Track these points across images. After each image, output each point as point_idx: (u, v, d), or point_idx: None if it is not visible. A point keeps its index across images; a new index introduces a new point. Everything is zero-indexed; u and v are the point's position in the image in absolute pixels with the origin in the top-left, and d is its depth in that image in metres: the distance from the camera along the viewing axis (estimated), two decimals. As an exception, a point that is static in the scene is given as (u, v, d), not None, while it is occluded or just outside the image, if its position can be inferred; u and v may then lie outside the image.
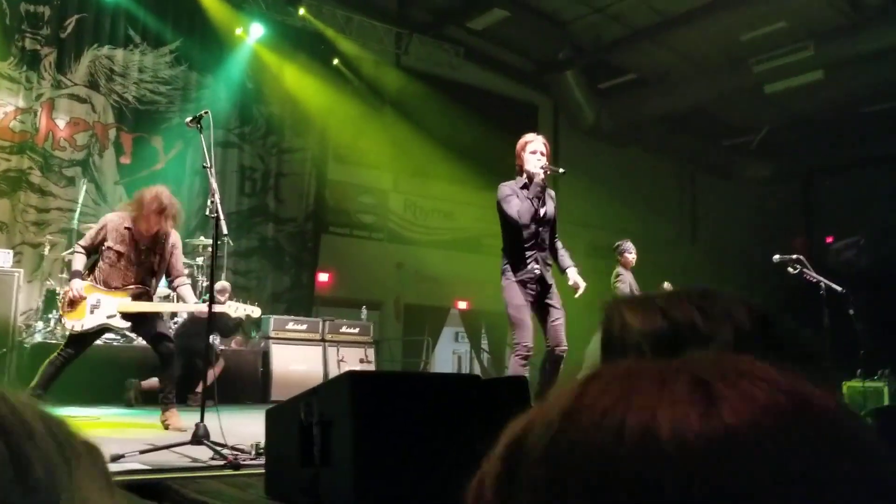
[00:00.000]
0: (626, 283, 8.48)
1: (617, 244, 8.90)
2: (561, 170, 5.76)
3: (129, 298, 5.81)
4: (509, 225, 5.60)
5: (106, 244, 5.84)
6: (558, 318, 5.62)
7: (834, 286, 7.36)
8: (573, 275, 5.70)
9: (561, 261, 5.80)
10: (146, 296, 5.92)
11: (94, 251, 5.95)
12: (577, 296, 5.64)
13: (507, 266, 5.61)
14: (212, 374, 8.81)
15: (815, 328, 7.13)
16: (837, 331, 7.32)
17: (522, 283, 5.52)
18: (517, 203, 5.54)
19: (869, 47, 12.06)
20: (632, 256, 8.67)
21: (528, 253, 5.56)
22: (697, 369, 0.45)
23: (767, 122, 16.50)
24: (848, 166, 16.26)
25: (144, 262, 5.89)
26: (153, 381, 8.24)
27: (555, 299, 5.65)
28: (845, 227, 15.22)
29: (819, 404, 0.43)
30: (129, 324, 5.92)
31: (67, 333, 5.96)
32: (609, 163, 15.69)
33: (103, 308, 5.77)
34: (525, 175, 5.65)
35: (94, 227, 6.03)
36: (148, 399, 7.55)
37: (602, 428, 0.43)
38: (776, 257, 7.71)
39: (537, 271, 5.54)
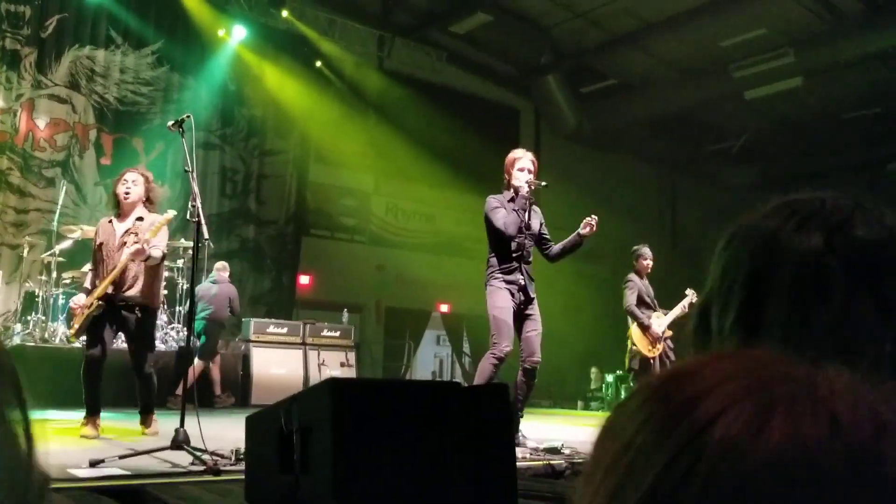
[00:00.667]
0: (634, 289, 8.13)
1: (633, 248, 8.53)
2: (543, 183, 5.87)
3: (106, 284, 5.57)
4: (496, 236, 5.71)
5: (97, 244, 5.74)
6: (535, 329, 5.72)
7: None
8: (583, 224, 5.74)
9: (567, 242, 5.87)
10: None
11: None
12: (594, 224, 5.71)
13: (494, 273, 5.71)
14: (195, 372, 8.87)
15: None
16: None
17: (508, 291, 5.63)
18: (504, 214, 5.65)
19: (847, 55, 12.17)
20: (647, 262, 8.27)
21: (514, 264, 5.68)
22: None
23: (748, 127, 16.61)
24: (828, 172, 16.39)
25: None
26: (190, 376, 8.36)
27: (534, 312, 5.76)
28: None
29: None
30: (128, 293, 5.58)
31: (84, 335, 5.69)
32: (590, 167, 15.75)
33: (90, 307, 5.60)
34: (512, 189, 5.78)
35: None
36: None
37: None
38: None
39: (521, 281, 5.66)
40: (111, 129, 11.28)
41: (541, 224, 5.90)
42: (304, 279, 13.17)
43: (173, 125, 4.96)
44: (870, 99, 14.34)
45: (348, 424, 2.59)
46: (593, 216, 5.73)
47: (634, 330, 8.09)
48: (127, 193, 5.65)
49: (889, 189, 14.74)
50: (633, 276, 8.24)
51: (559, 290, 11.04)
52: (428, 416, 2.80)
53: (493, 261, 5.75)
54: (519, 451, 4.80)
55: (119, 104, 11.32)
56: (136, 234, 5.45)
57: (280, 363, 9.81)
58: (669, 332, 8.12)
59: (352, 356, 10.42)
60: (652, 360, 7.91)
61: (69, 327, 5.86)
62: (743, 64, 13.09)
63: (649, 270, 8.28)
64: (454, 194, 14.44)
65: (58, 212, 9.57)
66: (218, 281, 9.45)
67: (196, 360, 8.77)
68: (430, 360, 16.94)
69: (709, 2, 12.21)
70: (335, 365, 10.10)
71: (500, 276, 5.66)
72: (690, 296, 8.12)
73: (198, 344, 9.18)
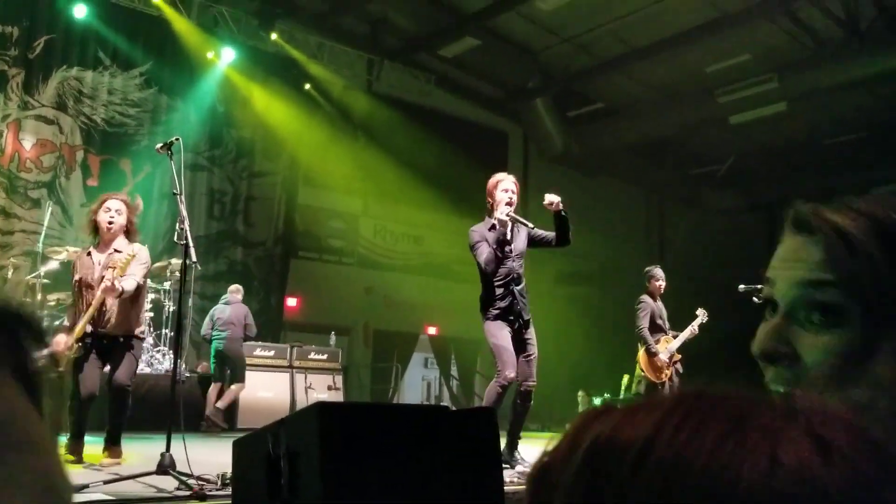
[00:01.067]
0: (647, 312, 7.99)
1: (646, 269, 8.41)
2: (530, 225, 5.85)
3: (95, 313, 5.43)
4: (481, 269, 5.76)
5: (75, 279, 5.60)
6: (532, 354, 5.75)
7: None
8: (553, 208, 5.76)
9: (555, 230, 5.88)
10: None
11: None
12: (550, 202, 5.70)
13: (487, 302, 5.75)
14: (232, 394, 8.94)
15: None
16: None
17: (503, 319, 5.67)
18: (484, 251, 5.68)
19: (831, 80, 12.28)
20: (660, 283, 8.15)
21: (503, 290, 5.70)
22: (811, 421, 0.45)
23: (734, 152, 16.73)
24: (813, 197, 16.44)
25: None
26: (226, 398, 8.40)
27: (531, 336, 5.78)
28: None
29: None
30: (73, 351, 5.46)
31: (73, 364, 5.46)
32: (578, 190, 15.77)
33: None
34: (494, 218, 5.78)
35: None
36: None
37: (715, 477, 0.42)
38: (741, 287, 7.78)
39: (516, 306, 5.69)
40: (98, 150, 11.25)
41: (530, 235, 5.88)
42: (291, 301, 13.13)
43: (162, 147, 4.94)
44: (853, 124, 14.47)
45: (336, 448, 2.57)
46: (549, 197, 5.70)
47: (642, 354, 8.02)
48: (111, 223, 5.48)
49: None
50: (645, 297, 8.14)
51: (547, 312, 11.03)
52: (416, 440, 2.79)
53: (485, 290, 5.78)
54: (508, 475, 4.79)
55: (107, 125, 11.30)
56: (113, 269, 5.32)
57: (267, 387, 9.76)
58: (679, 356, 8.04)
59: (339, 379, 10.38)
60: (660, 387, 7.82)
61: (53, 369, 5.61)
62: (728, 89, 13.19)
63: (662, 291, 8.18)
64: (442, 217, 14.45)
65: (43, 233, 9.51)
66: (230, 302, 9.51)
67: (233, 386, 9.04)
68: (417, 382, 16.88)
69: (694, 28, 12.34)
70: (322, 388, 10.06)
71: (494, 303, 5.70)
72: (701, 316, 8.07)
73: (209, 369, 9.27)
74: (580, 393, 14.22)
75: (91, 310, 5.29)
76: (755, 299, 7.71)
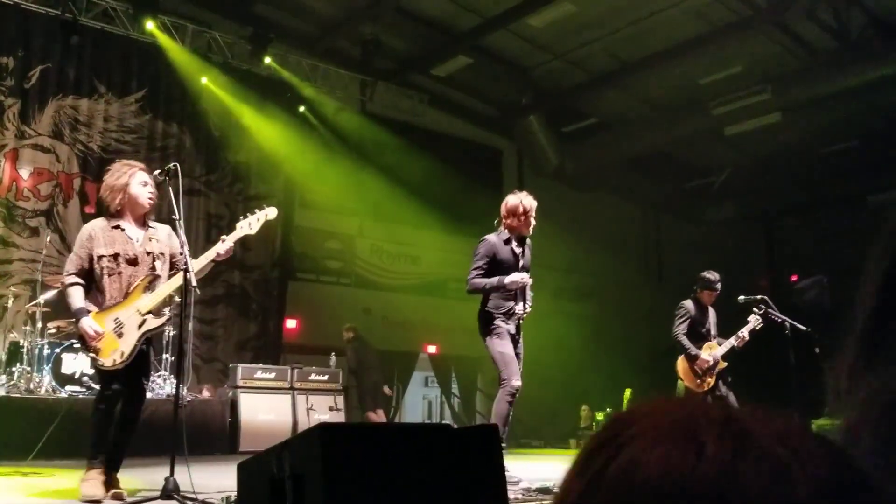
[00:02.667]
0: (686, 318, 7.62)
1: (701, 275, 7.88)
2: (528, 302, 5.98)
3: (148, 294, 4.95)
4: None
5: (97, 254, 4.96)
6: (520, 353, 5.88)
7: (798, 325, 7.44)
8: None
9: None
10: (157, 281, 5.03)
11: (89, 274, 5.00)
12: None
13: (494, 313, 5.83)
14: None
15: (781, 367, 7.21)
16: (804, 369, 7.37)
17: (508, 330, 5.78)
18: (480, 280, 5.81)
19: (824, 90, 12.35)
20: (713, 293, 7.77)
21: (511, 303, 5.85)
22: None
23: (729, 164, 16.80)
24: (810, 206, 16.56)
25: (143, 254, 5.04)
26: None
27: (520, 339, 5.92)
28: (808, 267, 15.46)
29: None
30: (166, 316, 5.05)
31: (104, 371, 4.86)
32: (574, 206, 15.84)
33: (128, 325, 4.86)
34: (508, 231, 5.91)
35: (77, 245, 5.07)
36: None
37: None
38: (741, 298, 7.79)
39: (518, 310, 5.83)
40: (95, 177, 11.24)
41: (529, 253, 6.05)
42: (290, 323, 13.13)
43: (160, 174, 4.94)
44: (848, 133, 14.54)
45: (340, 470, 2.58)
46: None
47: (681, 361, 7.67)
48: (151, 198, 5.06)
49: (871, 221, 14.86)
50: (687, 303, 7.76)
51: (547, 329, 11.04)
52: (419, 459, 2.79)
53: (491, 302, 5.87)
54: (511, 493, 4.77)
55: (103, 152, 11.32)
56: (177, 254, 4.99)
57: (268, 409, 9.75)
58: (724, 364, 7.67)
59: (340, 400, 10.37)
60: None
61: (95, 360, 4.85)
62: (722, 101, 13.27)
63: (713, 300, 7.79)
64: (439, 235, 14.49)
65: (42, 261, 9.51)
66: None
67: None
68: (418, 401, 16.86)
69: (686, 41, 12.41)
70: (324, 409, 10.04)
71: (501, 318, 5.80)
72: (753, 322, 7.60)
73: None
74: (584, 408, 14.20)
75: (166, 290, 4.95)
76: (755, 310, 7.73)
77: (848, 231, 14.87)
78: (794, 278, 15.92)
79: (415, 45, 13.68)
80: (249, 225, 5.24)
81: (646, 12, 11.96)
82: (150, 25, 11.39)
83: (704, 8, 11.82)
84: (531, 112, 15.04)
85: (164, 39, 11.65)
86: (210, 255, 5.05)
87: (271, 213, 5.37)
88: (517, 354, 5.80)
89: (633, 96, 14.63)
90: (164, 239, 5.08)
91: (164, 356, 9.59)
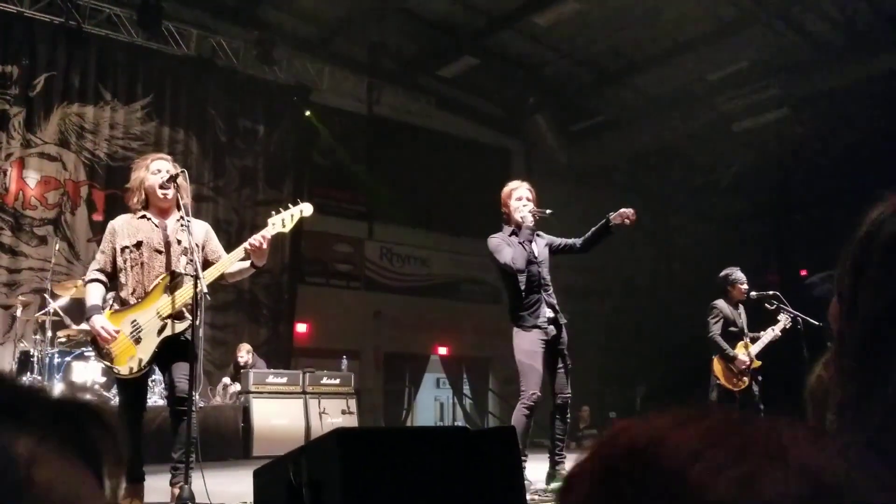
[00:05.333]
0: (719, 318, 7.56)
1: (726, 272, 7.78)
2: (548, 211, 5.77)
3: (167, 294, 4.65)
4: (508, 274, 5.60)
5: (120, 246, 4.73)
6: (566, 364, 5.63)
7: (811, 320, 7.38)
8: (619, 212, 5.68)
9: (593, 232, 5.84)
10: (181, 281, 4.70)
11: (113, 274, 4.75)
12: (632, 217, 5.68)
13: (517, 314, 5.57)
14: None
15: (794, 362, 7.15)
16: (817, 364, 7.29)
17: (538, 328, 5.49)
18: (509, 251, 5.55)
19: (832, 83, 12.29)
20: (743, 287, 7.64)
21: (534, 297, 5.56)
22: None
23: (737, 159, 16.70)
24: (819, 200, 16.46)
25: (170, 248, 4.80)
26: None
27: (565, 344, 5.66)
28: (818, 262, 15.37)
29: None
30: (188, 320, 4.65)
31: (120, 379, 4.67)
32: (583, 204, 15.72)
33: (147, 329, 4.60)
34: (513, 223, 5.71)
35: (102, 242, 4.89)
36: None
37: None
38: (753, 294, 7.74)
39: (549, 313, 5.55)
40: (103, 184, 11.26)
41: (549, 243, 5.81)
42: (301, 327, 13.10)
43: (168, 181, 4.86)
44: (856, 126, 14.44)
45: (358, 475, 2.54)
46: (632, 211, 5.62)
47: (716, 362, 7.61)
48: (162, 185, 4.82)
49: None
50: (719, 302, 7.69)
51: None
52: (437, 463, 2.75)
53: (513, 301, 5.62)
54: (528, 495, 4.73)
55: (110, 160, 11.32)
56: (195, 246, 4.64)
57: (281, 413, 9.72)
58: (758, 363, 7.63)
59: (353, 403, 10.33)
60: (736, 395, 7.43)
61: (110, 367, 4.63)
62: (730, 96, 13.20)
63: (744, 297, 7.71)
64: (447, 237, 14.48)
65: (51, 270, 9.49)
66: None
67: None
68: (430, 403, 16.83)
69: (693, 37, 12.36)
70: (336, 413, 10.01)
71: (524, 314, 5.52)
72: (784, 321, 7.57)
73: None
74: (584, 408, 14.04)
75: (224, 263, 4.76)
76: (767, 305, 7.68)
77: (856, 225, 14.79)
78: (803, 273, 15.82)
79: (421, 47, 13.65)
80: (283, 222, 4.89)
81: (652, 9, 11.91)
82: (154, 32, 11.37)
83: (711, 4, 11.76)
84: (538, 111, 14.99)
85: (169, 45, 11.68)
86: (237, 253, 4.84)
87: (307, 209, 5.01)
88: (564, 367, 5.56)
89: (640, 94, 14.57)
90: (198, 235, 4.82)
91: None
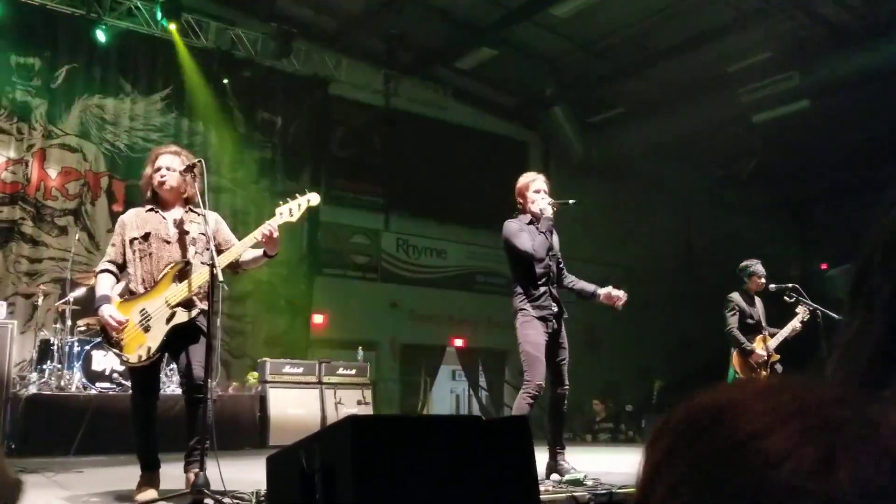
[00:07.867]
0: (736, 312, 7.53)
1: (744, 265, 7.74)
2: (571, 201, 5.77)
3: (176, 283, 4.68)
4: (522, 261, 5.56)
5: (129, 237, 4.80)
6: (565, 357, 5.62)
7: (831, 313, 7.33)
8: (609, 290, 5.69)
9: (584, 287, 5.82)
10: (189, 270, 4.73)
11: (124, 266, 4.82)
12: (621, 305, 5.67)
13: (524, 303, 5.54)
14: None
15: (813, 356, 7.12)
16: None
17: (543, 320, 5.49)
18: (529, 238, 5.53)
19: (852, 74, 12.17)
20: (761, 280, 7.61)
21: (543, 288, 5.54)
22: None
23: (757, 151, 16.58)
24: (839, 192, 16.34)
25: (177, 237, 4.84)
26: None
27: (564, 340, 5.65)
28: (839, 255, 15.25)
29: None
30: (197, 309, 4.72)
31: (131, 368, 4.76)
32: (601, 197, 15.73)
33: (156, 317, 4.63)
34: (530, 214, 5.68)
35: (113, 235, 4.95)
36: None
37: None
38: (772, 286, 7.69)
39: (554, 307, 5.55)
40: (123, 175, 11.34)
41: (558, 244, 5.79)
42: (317, 318, 13.14)
43: (185, 171, 4.89)
44: (878, 117, 14.31)
45: (370, 462, 2.56)
46: (624, 296, 5.63)
47: (735, 356, 7.60)
48: (163, 179, 4.85)
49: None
50: (734, 295, 7.67)
51: (574, 321, 10.99)
52: (450, 452, 2.76)
53: (521, 289, 5.57)
54: (542, 485, 4.73)
55: (130, 151, 11.40)
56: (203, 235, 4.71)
57: (297, 403, 9.77)
58: (777, 357, 7.60)
59: (368, 394, 10.36)
60: None
61: (119, 355, 4.67)
62: (750, 88, 13.10)
63: (761, 289, 7.66)
64: (464, 229, 14.48)
65: (70, 260, 9.58)
66: None
67: None
68: (446, 395, 16.84)
69: (713, 28, 12.26)
70: (352, 403, 10.05)
71: (530, 305, 5.49)
72: (802, 313, 7.51)
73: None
74: (595, 402, 14.01)
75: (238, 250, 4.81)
76: (786, 298, 7.63)
77: (876, 218, 14.65)
78: (824, 266, 15.71)
79: (438, 39, 13.63)
80: (290, 211, 4.96)
81: (670, 0, 11.84)
82: (173, 24, 11.43)
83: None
84: (556, 103, 14.95)
85: (188, 37, 11.72)
86: (248, 241, 4.85)
87: (314, 198, 5.11)
88: (563, 360, 5.56)
89: (659, 85, 14.48)
90: (209, 225, 4.77)
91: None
